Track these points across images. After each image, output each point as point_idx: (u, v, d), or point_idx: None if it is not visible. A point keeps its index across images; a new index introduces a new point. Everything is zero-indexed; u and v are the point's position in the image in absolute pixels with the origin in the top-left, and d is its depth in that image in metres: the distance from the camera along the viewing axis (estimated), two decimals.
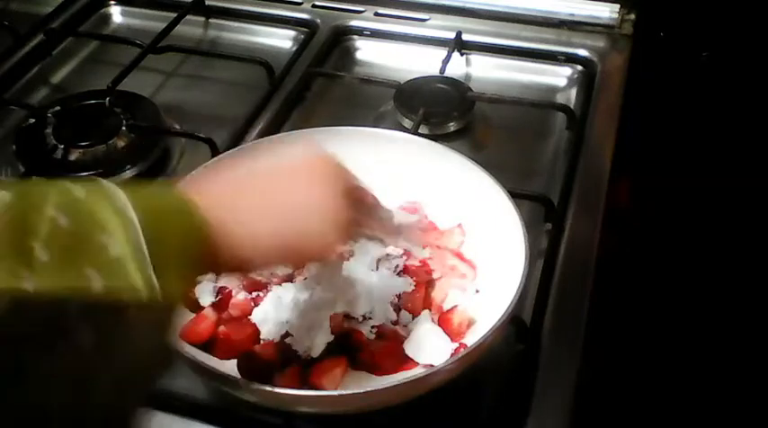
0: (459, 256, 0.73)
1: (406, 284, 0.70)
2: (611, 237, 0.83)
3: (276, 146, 0.79)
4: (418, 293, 0.70)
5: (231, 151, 0.79)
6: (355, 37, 1.13)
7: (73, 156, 0.92)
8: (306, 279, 0.69)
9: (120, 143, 0.93)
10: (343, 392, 0.62)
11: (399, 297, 0.69)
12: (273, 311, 0.68)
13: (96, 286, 0.41)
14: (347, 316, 0.68)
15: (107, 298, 0.42)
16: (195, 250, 0.49)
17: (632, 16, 1.09)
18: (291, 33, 1.15)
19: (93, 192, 0.45)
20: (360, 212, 0.61)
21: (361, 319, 0.68)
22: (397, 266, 0.72)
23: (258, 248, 0.53)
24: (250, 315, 0.68)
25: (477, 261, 0.73)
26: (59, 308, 0.40)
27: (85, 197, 0.45)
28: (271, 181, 0.56)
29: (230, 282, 0.70)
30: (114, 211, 0.44)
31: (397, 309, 0.69)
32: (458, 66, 1.06)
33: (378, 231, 0.67)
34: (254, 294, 0.70)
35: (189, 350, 0.63)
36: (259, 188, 0.55)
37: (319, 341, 0.65)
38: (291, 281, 0.70)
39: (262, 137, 0.91)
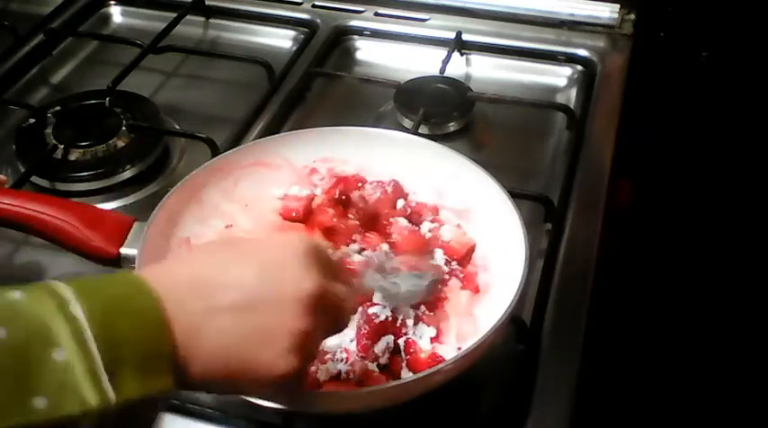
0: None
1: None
2: (611, 237, 0.83)
3: (276, 145, 0.80)
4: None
5: (231, 151, 0.79)
6: (355, 37, 1.13)
7: (73, 156, 0.92)
8: None
9: (120, 143, 0.93)
10: (344, 392, 0.62)
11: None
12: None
13: (41, 409, 0.37)
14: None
15: (54, 422, 0.37)
16: (157, 344, 0.42)
17: (632, 16, 1.09)
18: (291, 33, 1.15)
19: (32, 291, 0.41)
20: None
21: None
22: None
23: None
24: None
25: (478, 261, 0.73)
26: None
27: (22, 298, 0.40)
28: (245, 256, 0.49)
29: None
30: (57, 308, 0.39)
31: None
32: (458, 66, 1.06)
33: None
34: None
35: None
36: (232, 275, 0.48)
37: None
38: None
39: (262, 137, 0.91)
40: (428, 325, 0.67)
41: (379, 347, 0.65)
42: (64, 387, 0.38)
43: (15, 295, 0.40)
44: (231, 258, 0.49)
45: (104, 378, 0.39)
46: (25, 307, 0.40)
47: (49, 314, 0.39)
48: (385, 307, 0.66)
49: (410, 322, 0.67)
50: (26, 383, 0.38)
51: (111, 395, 0.39)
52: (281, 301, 0.47)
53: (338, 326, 0.54)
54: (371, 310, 0.66)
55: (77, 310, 0.40)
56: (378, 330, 0.65)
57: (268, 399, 0.58)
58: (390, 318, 0.66)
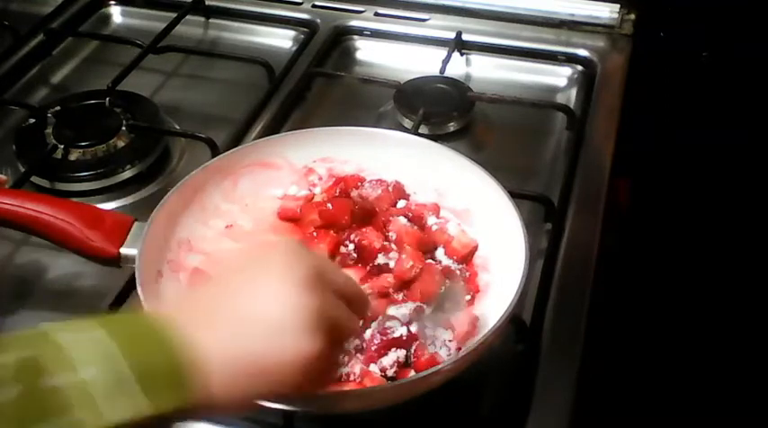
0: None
1: None
2: (611, 237, 0.83)
3: (276, 145, 0.80)
4: None
5: (231, 151, 0.79)
6: (355, 37, 1.13)
7: (73, 156, 0.92)
8: None
9: (120, 143, 0.93)
10: (344, 392, 0.62)
11: None
12: None
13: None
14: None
15: None
16: (182, 372, 0.43)
17: (632, 16, 1.09)
18: (291, 33, 1.15)
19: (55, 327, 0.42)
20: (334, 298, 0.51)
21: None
22: None
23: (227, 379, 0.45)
24: None
25: (478, 261, 0.73)
26: None
27: (48, 329, 0.42)
28: (229, 283, 0.50)
29: None
30: (83, 337, 0.42)
31: None
32: (458, 66, 1.06)
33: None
34: None
35: None
36: (220, 293, 0.50)
37: None
38: None
39: (262, 137, 0.91)
40: (445, 329, 0.66)
41: (388, 360, 0.63)
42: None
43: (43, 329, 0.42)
44: (223, 282, 0.51)
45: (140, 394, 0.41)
46: (51, 336, 0.42)
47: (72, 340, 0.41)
48: (403, 324, 0.65)
49: (428, 331, 0.66)
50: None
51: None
52: (276, 287, 0.48)
53: (359, 311, 0.54)
54: (389, 323, 0.65)
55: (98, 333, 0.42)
56: (389, 344, 0.64)
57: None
58: (406, 336, 0.64)
